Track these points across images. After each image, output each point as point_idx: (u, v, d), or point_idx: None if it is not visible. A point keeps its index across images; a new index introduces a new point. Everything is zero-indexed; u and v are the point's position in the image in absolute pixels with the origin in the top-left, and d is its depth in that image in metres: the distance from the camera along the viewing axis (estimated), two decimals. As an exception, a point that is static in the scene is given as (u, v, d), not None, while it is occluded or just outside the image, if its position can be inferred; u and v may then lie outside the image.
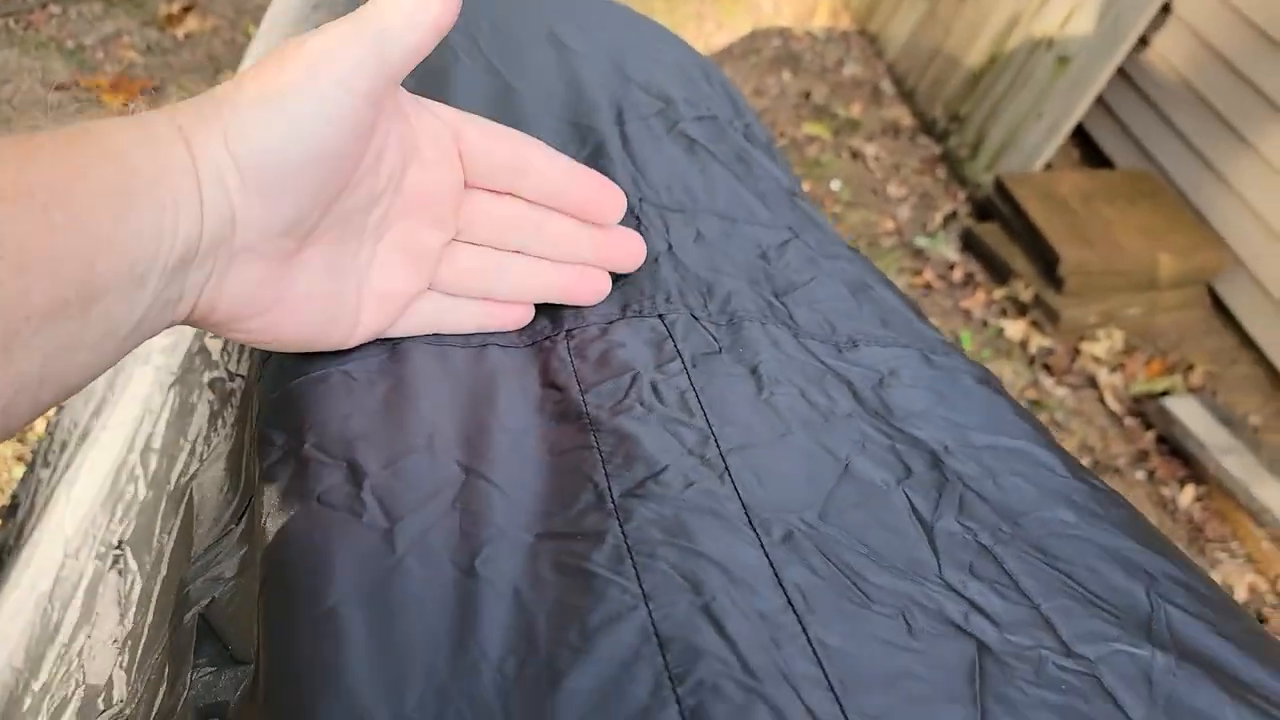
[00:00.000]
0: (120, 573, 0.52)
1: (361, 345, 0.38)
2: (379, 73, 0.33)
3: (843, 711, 0.25)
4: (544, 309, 0.42)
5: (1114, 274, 2.30)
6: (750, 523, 0.31)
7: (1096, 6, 2.57)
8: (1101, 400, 2.19)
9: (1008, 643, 0.29)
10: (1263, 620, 1.80)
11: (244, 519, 0.38)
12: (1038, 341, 2.28)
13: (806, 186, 2.73)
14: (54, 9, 2.87)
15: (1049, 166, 2.67)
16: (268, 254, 0.32)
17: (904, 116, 3.11)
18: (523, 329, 0.42)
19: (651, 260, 0.46)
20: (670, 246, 0.48)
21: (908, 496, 0.35)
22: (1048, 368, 2.24)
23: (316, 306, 0.35)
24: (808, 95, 3.17)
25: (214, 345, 0.57)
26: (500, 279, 0.41)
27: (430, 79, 0.61)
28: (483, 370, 0.38)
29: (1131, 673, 0.29)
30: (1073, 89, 2.57)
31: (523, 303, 0.42)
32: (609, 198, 0.42)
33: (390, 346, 0.39)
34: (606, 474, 0.32)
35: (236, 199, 0.30)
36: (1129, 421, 2.14)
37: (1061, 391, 2.19)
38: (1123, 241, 2.31)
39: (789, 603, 0.29)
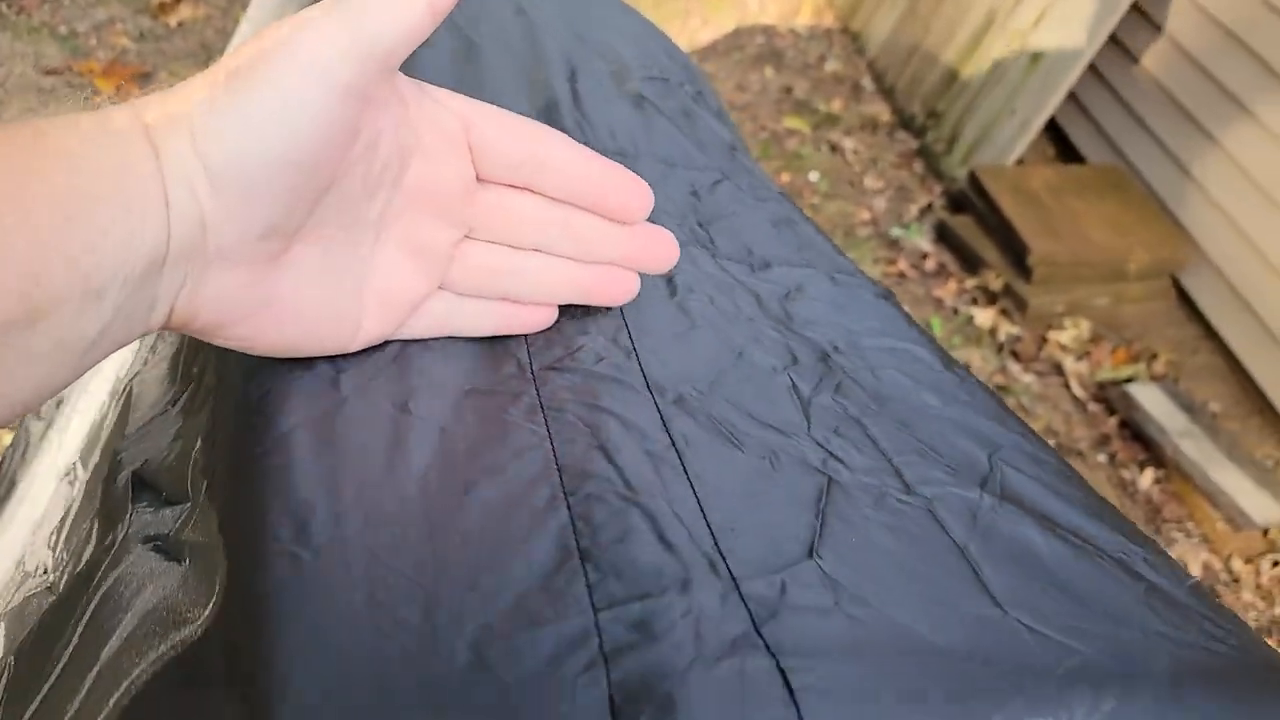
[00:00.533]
0: (70, 483, 0.57)
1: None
2: (365, 64, 0.30)
3: (704, 516, 0.31)
4: None
5: (1081, 265, 2.36)
6: (649, 388, 0.37)
7: (1069, 6, 2.63)
8: (1066, 386, 2.25)
9: (857, 481, 0.35)
10: (1215, 596, 1.87)
11: (180, 402, 0.43)
12: (1006, 329, 2.34)
13: (785, 178, 2.79)
14: (52, -4, 2.91)
15: (1021, 161, 2.73)
16: (249, 257, 0.30)
17: (883, 112, 3.17)
18: None
19: None
20: (607, 180, 0.53)
21: (791, 378, 0.40)
22: (1015, 354, 2.31)
23: (311, 309, 0.33)
24: (789, 90, 3.23)
25: None
26: (518, 279, 0.38)
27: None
28: None
29: (960, 509, 0.35)
30: (1044, 86, 2.64)
31: (545, 304, 0.39)
32: (635, 194, 0.38)
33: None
34: (529, 352, 0.38)
35: (206, 203, 0.28)
36: (1093, 407, 2.21)
37: (1028, 378, 2.26)
38: (1091, 234, 2.38)
39: (672, 443, 0.34)
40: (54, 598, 0.43)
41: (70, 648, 0.36)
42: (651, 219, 0.51)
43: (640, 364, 0.38)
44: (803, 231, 0.56)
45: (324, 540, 0.28)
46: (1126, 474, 2.08)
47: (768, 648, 0.27)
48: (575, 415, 0.35)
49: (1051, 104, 2.62)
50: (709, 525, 0.31)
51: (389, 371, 0.35)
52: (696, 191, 0.56)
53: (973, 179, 2.58)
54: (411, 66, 0.63)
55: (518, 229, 0.37)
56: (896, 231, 2.63)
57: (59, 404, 0.98)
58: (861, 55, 3.48)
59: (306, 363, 0.35)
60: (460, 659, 0.26)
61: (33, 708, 0.36)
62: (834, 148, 2.97)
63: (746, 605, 0.28)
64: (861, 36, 3.54)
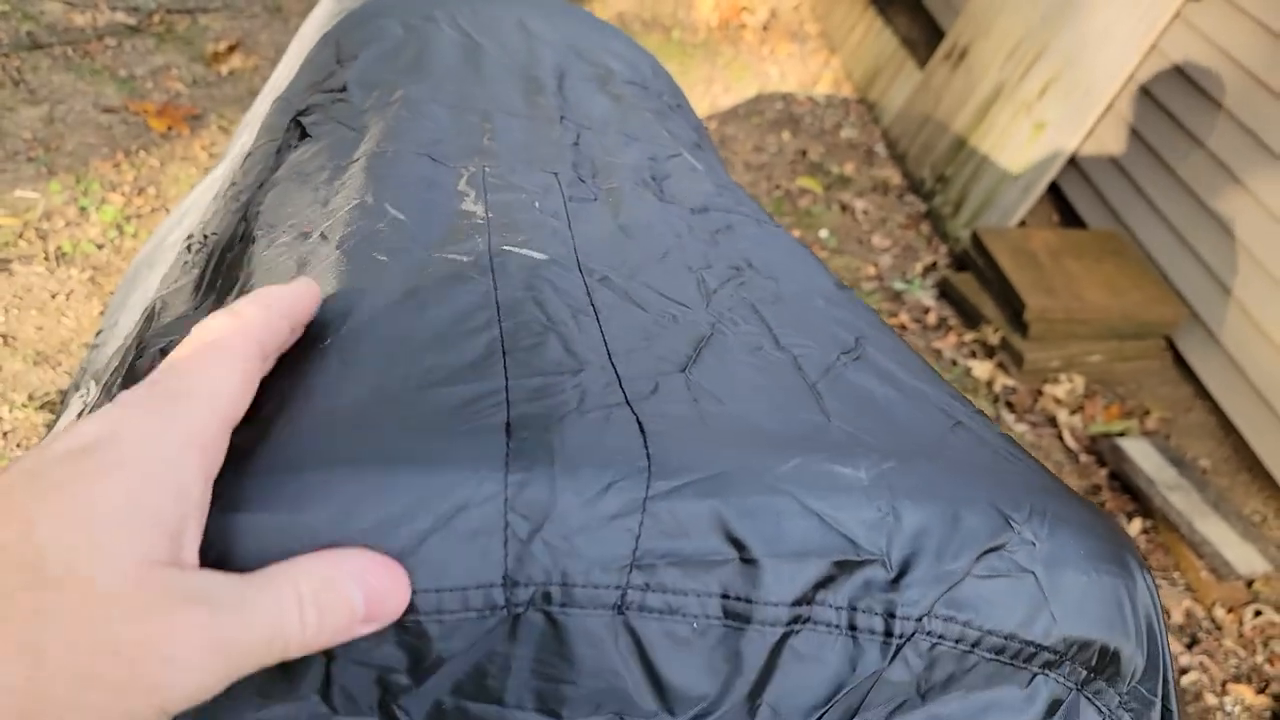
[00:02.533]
0: (82, 399, 0.65)
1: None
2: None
3: (605, 344, 0.40)
4: (469, 154, 0.57)
5: (1076, 323, 2.44)
6: (579, 268, 0.46)
7: (1070, 78, 2.76)
8: (1060, 438, 2.31)
9: (737, 336, 0.44)
10: (1196, 642, 1.91)
11: (206, 305, 0.52)
12: (1002, 381, 2.42)
13: (796, 233, 2.90)
14: (109, 41, 3.11)
15: (1024, 224, 2.83)
16: None
17: (894, 176, 3.29)
18: (453, 158, 0.56)
19: (560, 147, 0.61)
20: (577, 142, 0.63)
21: (703, 275, 0.50)
22: (1010, 405, 2.38)
23: None
24: (804, 153, 3.36)
25: (197, 230, 0.72)
26: None
27: (414, 43, 0.77)
28: (417, 168, 0.53)
29: (819, 362, 0.44)
30: (1047, 154, 2.75)
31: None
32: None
33: (356, 158, 0.54)
34: (489, 234, 0.47)
35: None
36: (1084, 458, 2.27)
37: (1022, 428, 2.32)
38: (1086, 294, 2.46)
39: (591, 303, 0.43)
40: None
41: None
42: (612, 176, 0.61)
43: (576, 252, 0.48)
44: (742, 196, 0.66)
45: (310, 339, 0.37)
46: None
47: (633, 410, 0.35)
48: (519, 279, 0.44)
49: (1053, 170, 2.72)
50: (608, 349, 0.40)
51: (375, 236, 0.45)
52: (655, 159, 0.66)
53: (975, 239, 2.68)
54: (422, 61, 0.74)
55: None
56: (900, 285, 2.72)
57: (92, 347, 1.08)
58: (876, 123, 3.61)
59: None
60: (410, 398, 0.35)
61: None
62: (845, 207, 3.09)
63: (623, 388, 0.37)
64: (877, 106, 3.68)
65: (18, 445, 1.76)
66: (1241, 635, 1.93)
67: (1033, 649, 0.36)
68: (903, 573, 0.34)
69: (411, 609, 0.30)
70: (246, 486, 0.30)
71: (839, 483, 0.34)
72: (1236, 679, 1.85)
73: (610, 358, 0.39)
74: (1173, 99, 2.65)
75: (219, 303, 0.51)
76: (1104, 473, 2.24)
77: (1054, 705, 0.37)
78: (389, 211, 0.47)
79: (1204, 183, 2.51)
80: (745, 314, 0.47)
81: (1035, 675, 0.36)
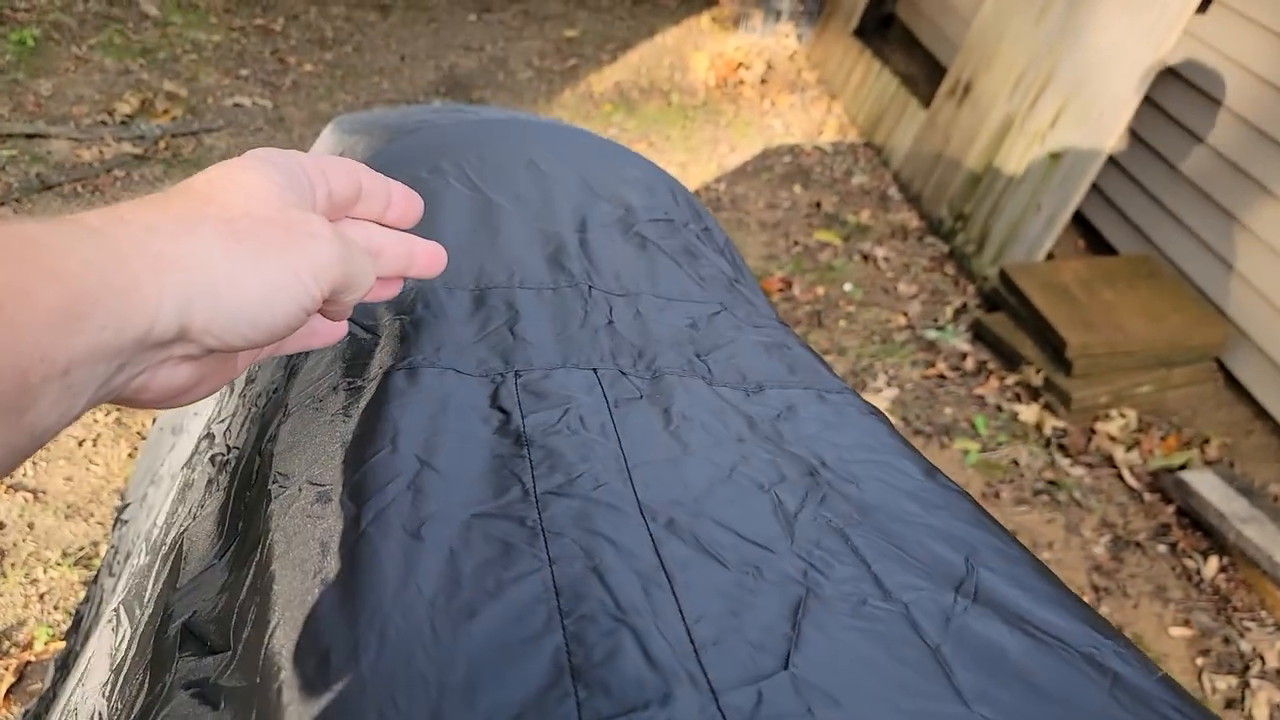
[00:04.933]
0: (114, 630, 0.61)
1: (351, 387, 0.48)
2: (322, 286, 0.37)
3: (688, 632, 0.34)
4: (497, 354, 0.52)
5: (1120, 355, 2.36)
6: (641, 512, 0.41)
7: (1082, 104, 2.71)
8: (1119, 477, 2.23)
9: (836, 591, 0.38)
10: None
11: (228, 554, 0.48)
12: (1051, 423, 2.34)
13: (820, 290, 2.85)
14: (118, 173, 3.13)
15: (1051, 256, 2.76)
16: (202, 362, 0.36)
17: (911, 219, 3.24)
18: (480, 364, 0.51)
19: (594, 330, 0.56)
20: (611, 321, 0.58)
21: (777, 495, 0.44)
22: (1064, 449, 2.29)
23: (217, 377, 0.39)
24: (818, 205, 3.32)
25: (218, 429, 0.68)
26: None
27: (425, 202, 0.73)
28: (443, 386, 0.48)
29: (935, 611, 0.38)
30: (1066, 182, 2.69)
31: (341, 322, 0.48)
32: (416, 205, 0.49)
33: (373, 375, 0.49)
34: (534, 477, 0.42)
35: (193, 326, 0.32)
36: (1148, 497, 2.18)
37: (1079, 471, 2.24)
38: (1125, 323, 2.39)
39: (661, 565, 0.38)
40: None
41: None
42: (651, 350, 0.56)
43: (635, 490, 0.43)
44: (796, 355, 0.61)
45: (342, 670, 0.32)
46: (1190, 563, 2.03)
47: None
48: (573, 539, 0.39)
49: (1075, 199, 2.66)
50: (692, 641, 0.34)
51: (404, 498, 0.40)
52: (695, 324, 0.61)
53: (1004, 277, 2.62)
54: (435, 225, 0.70)
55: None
56: (933, 334, 2.65)
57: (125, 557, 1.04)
58: (886, 167, 3.57)
59: (329, 507, 0.40)
60: None
61: None
62: (866, 257, 3.04)
63: (724, 717, 0.31)
64: (885, 149, 3.64)
65: (55, 607, 1.72)
66: (1343, 674, 1.82)
67: None
68: None
69: None
70: None
71: None
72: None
73: (697, 655, 0.33)
74: (1190, 115, 2.59)
75: (242, 564, 0.46)
76: (1171, 510, 2.14)
77: None
78: (417, 462, 0.42)
79: (1233, 196, 2.44)
80: (835, 547, 0.41)
81: None
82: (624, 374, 0.52)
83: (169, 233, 0.32)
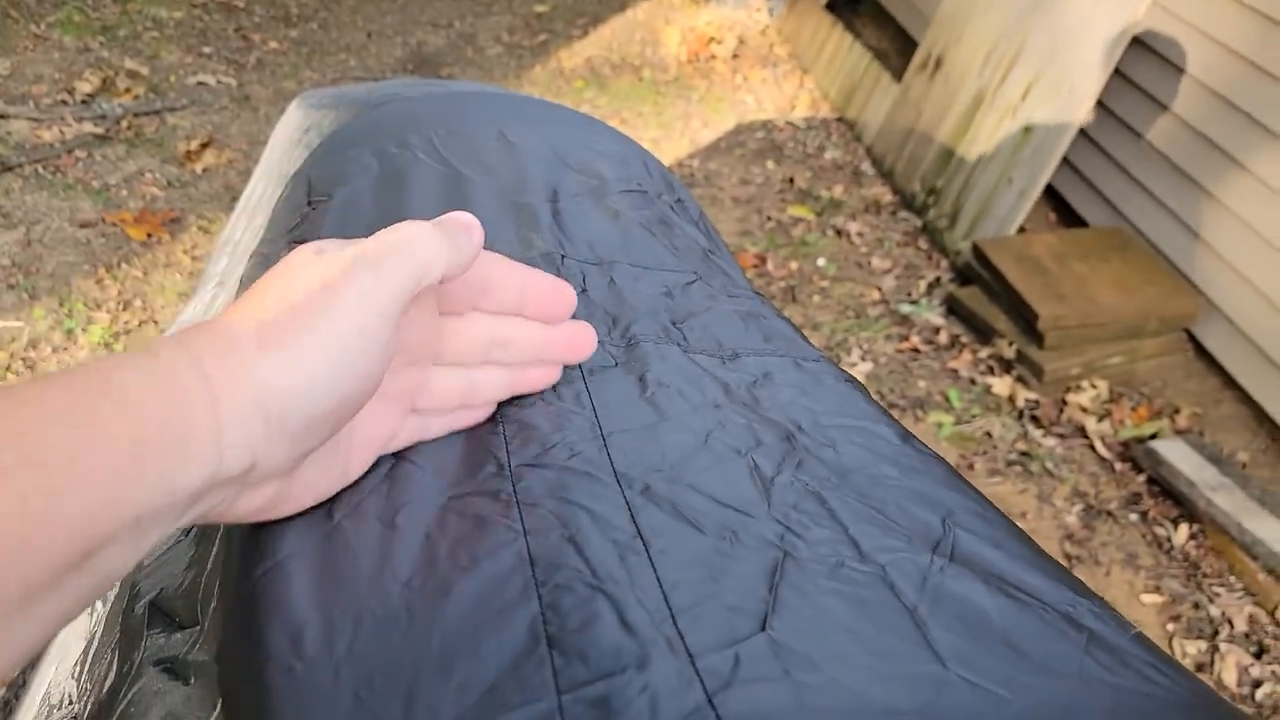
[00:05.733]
0: (88, 613, 0.60)
1: None
2: (414, 293, 0.34)
3: (665, 598, 0.34)
4: None
5: (1091, 326, 2.38)
6: (617, 480, 0.40)
7: (1053, 77, 2.71)
8: (1091, 447, 2.25)
9: (813, 553, 0.38)
10: (1265, 650, 1.83)
11: (193, 532, 0.47)
12: (1024, 395, 2.35)
13: (794, 265, 2.85)
14: (79, 153, 3.07)
15: (1023, 229, 2.78)
16: (284, 473, 0.33)
17: (884, 194, 3.24)
18: None
19: (576, 293, 0.56)
20: (584, 290, 0.57)
21: (754, 459, 0.43)
22: (1036, 419, 2.31)
23: (318, 486, 0.36)
24: (791, 181, 3.32)
25: None
26: (472, 393, 0.42)
27: (392, 178, 0.72)
28: None
29: (912, 572, 0.38)
30: (1038, 156, 2.70)
31: (489, 405, 0.44)
32: (561, 299, 0.44)
33: None
34: (508, 451, 0.41)
35: (260, 446, 0.29)
36: (1119, 466, 2.20)
37: (1051, 441, 2.26)
38: (1097, 295, 2.41)
39: (638, 533, 0.37)
40: None
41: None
42: (626, 317, 0.55)
43: (610, 457, 0.42)
44: (772, 324, 0.60)
45: (316, 651, 0.31)
46: (1160, 531, 2.06)
47: (717, 715, 0.29)
48: (548, 510, 0.38)
49: (1046, 172, 2.67)
50: (669, 607, 0.34)
51: (379, 490, 0.39)
52: (670, 293, 0.60)
53: (976, 251, 2.63)
54: (402, 201, 0.69)
55: (471, 351, 0.42)
56: (906, 308, 2.66)
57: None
58: (859, 142, 3.57)
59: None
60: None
61: None
62: (839, 232, 3.04)
63: (701, 679, 0.31)
64: (857, 124, 3.64)
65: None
66: (1310, 637, 1.85)
67: None
68: None
69: None
70: None
71: None
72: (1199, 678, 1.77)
73: (674, 620, 0.33)
74: (1160, 87, 2.60)
75: (209, 540, 0.45)
76: (1141, 479, 2.17)
77: None
78: (392, 457, 0.41)
79: (1203, 168, 2.46)
80: (813, 510, 0.40)
81: None
82: (600, 342, 0.52)
83: (215, 349, 0.29)
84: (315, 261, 0.32)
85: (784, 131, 3.67)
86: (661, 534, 0.37)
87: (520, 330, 0.43)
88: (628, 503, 0.39)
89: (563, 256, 0.62)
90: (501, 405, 0.45)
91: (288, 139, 1.12)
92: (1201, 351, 2.46)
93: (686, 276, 0.63)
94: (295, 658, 0.32)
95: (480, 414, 0.44)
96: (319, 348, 0.30)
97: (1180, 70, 2.53)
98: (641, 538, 0.37)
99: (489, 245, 0.64)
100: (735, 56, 4.31)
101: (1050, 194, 2.98)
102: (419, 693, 0.30)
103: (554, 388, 0.47)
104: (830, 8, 4.22)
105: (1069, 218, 2.98)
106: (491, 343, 0.42)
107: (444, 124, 0.83)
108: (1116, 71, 2.64)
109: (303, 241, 0.66)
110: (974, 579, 0.38)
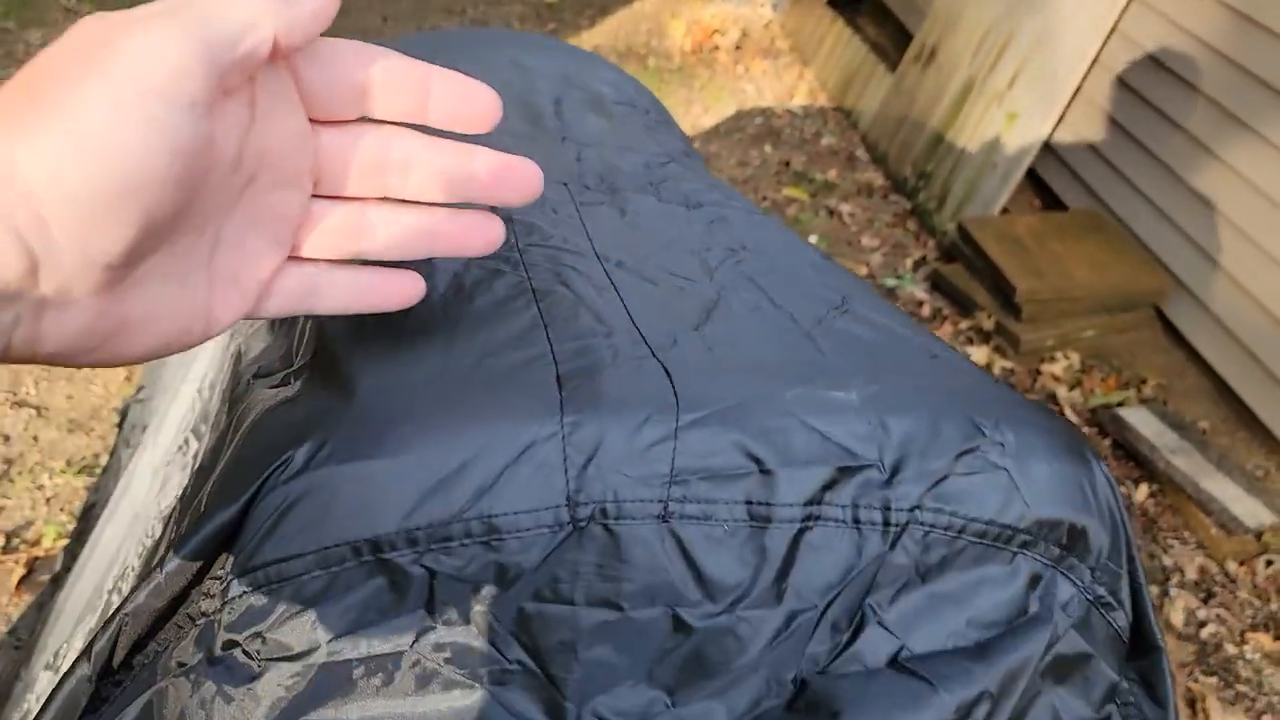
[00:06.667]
0: (183, 452, 0.73)
1: None
2: (219, 74, 0.27)
3: (627, 310, 0.47)
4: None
5: (1066, 301, 2.51)
6: (598, 257, 0.54)
7: (1037, 66, 2.84)
8: (1061, 414, 2.38)
9: (740, 301, 0.51)
10: (1212, 595, 1.96)
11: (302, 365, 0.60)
12: (1000, 364, 2.48)
13: (787, 242, 2.98)
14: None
15: (1007, 211, 2.91)
16: (92, 290, 0.27)
17: (877, 178, 3.38)
18: None
19: (566, 162, 0.69)
20: (579, 158, 0.71)
21: (703, 256, 0.57)
22: (1011, 387, 2.43)
23: (163, 319, 0.31)
24: (787, 164, 3.45)
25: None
26: (370, 237, 0.36)
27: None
28: None
29: (811, 315, 0.51)
30: (1021, 141, 2.83)
31: (408, 272, 0.39)
32: (478, 100, 0.35)
33: None
34: (515, 234, 0.55)
35: (36, 244, 0.25)
36: (1087, 430, 2.33)
37: (1023, 407, 2.38)
38: (1072, 272, 2.54)
39: (611, 282, 0.51)
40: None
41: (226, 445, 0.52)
42: (614, 184, 0.68)
43: (593, 246, 0.55)
44: (730, 191, 0.73)
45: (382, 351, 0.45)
46: (1123, 489, 2.18)
47: (658, 359, 0.43)
48: (546, 268, 0.51)
49: (1029, 157, 2.80)
50: (630, 316, 0.47)
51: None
52: (649, 165, 0.74)
53: (961, 229, 2.76)
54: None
55: (360, 177, 0.35)
56: (892, 282, 2.79)
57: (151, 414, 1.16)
58: (854, 128, 3.70)
59: None
60: (474, 367, 0.42)
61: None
62: (832, 212, 3.17)
63: (648, 344, 0.44)
64: (854, 112, 3.77)
65: (60, 509, 1.83)
66: (1255, 586, 1.98)
67: (1010, 532, 0.42)
68: (894, 474, 0.41)
69: (495, 529, 0.37)
70: (360, 440, 0.37)
71: (834, 404, 0.41)
72: (1254, 627, 1.90)
73: (634, 322, 0.46)
74: (1140, 79, 2.73)
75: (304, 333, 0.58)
76: (1107, 443, 2.30)
77: (1034, 580, 0.43)
78: None
79: (1179, 158, 2.59)
80: (744, 284, 0.54)
81: (1015, 554, 0.43)
82: (588, 188, 0.65)
83: None
84: (92, 26, 0.27)
85: (782, 118, 3.80)
86: (628, 285, 0.51)
87: (424, 150, 0.35)
88: (605, 269, 0.52)
89: (563, 138, 0.75)
90: (512, 212, 0.58)
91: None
92: (1170, 328, 2.59)
93: (664, 158, 0.77)
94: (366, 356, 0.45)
95: (400, 287, 0.39)
96: (67, 129, 0.24)
97: (1159, 64, 2.66)
98: (613, 284, 0.50)
99: (504, 127, 0.78)
100: (738, 48, 4.45)
101: (1034, 179, 3.11)
102: (455, 342, 0.43)
103: (553, 209, 0.60)
104: (832, 4, 4.36)
105: (1050, 201, 3.11)
106: (384, 164, 0.35)
107: (463, 50, 0.97)
108: (1095, 61, 2.77)
109: None
110: (857, 322, 0.51)
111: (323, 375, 0.45)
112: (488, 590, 0.38)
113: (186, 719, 0.36)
